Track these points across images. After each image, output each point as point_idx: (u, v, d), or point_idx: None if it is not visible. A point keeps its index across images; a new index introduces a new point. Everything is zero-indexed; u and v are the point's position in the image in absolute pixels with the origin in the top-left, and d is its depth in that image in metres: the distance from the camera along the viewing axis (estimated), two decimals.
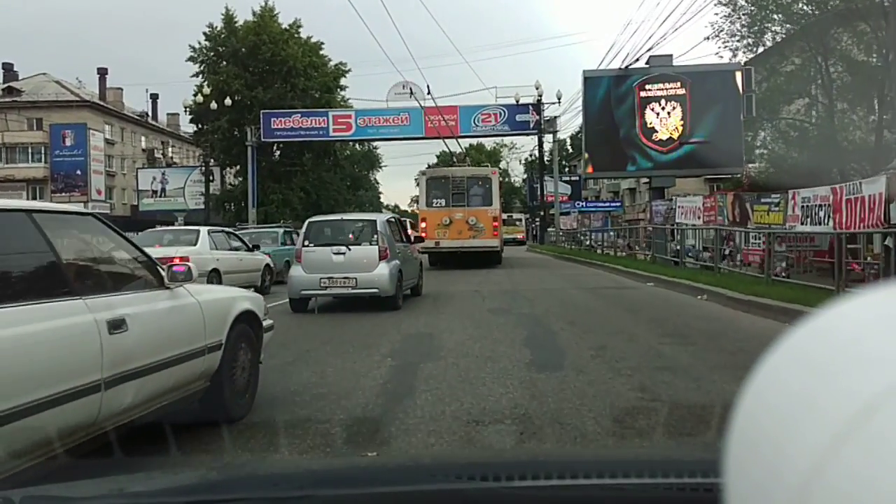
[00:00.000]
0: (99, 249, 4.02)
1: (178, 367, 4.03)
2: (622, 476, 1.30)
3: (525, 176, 76.79)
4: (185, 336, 4.17)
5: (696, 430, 4.11)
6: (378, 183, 74.28)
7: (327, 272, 10.93)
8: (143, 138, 55.36)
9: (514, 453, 3.31)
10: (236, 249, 14.19)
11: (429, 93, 36.00)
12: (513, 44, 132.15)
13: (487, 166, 38.26)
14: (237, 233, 16.80)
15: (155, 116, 58.88)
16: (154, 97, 59.08)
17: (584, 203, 49.24)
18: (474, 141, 58.25)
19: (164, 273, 4.18)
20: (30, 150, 47.58)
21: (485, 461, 1.87)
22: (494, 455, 2.95)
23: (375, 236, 11.24)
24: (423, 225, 19.63)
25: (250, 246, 14.88)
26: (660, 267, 17.34)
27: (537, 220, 59.47)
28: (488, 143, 75.47)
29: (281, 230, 20.14)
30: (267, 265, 15.34)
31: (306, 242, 11.46)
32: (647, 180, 26.29)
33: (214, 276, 12.88)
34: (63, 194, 46.97)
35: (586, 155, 23.52)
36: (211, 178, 39.03)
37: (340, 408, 5.08)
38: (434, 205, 20.11)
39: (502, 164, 79.09)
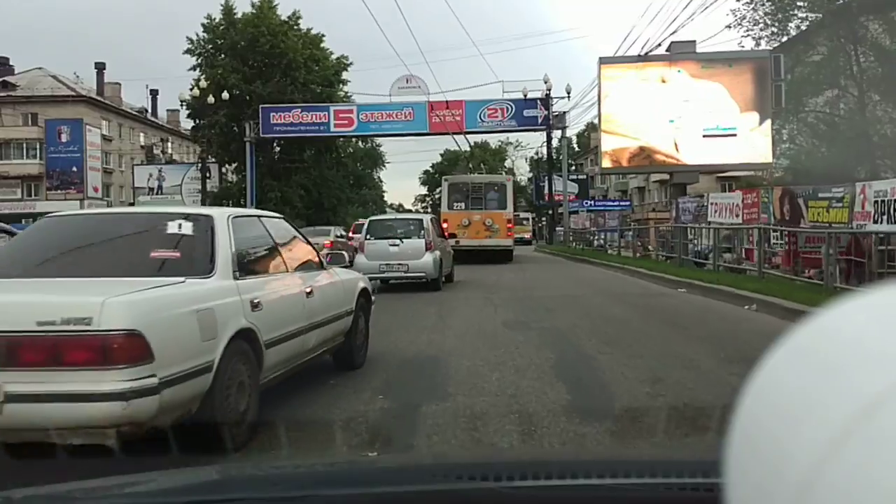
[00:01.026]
0: (288, 240, 5.51)
1: (333, 324, 5.60)
2: (623, 476, 1.26)
3: (531, 174, 75.13)
4: (337, 303, 5.74)
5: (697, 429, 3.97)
6: (382, 181, 72.58)
7: (385, 260, 13.31)
8: (142, 135, 53.69)
9: (515, 453, 3.14)
10: None
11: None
12: (517, 37, 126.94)
13: (502, 174, 38.61)
14: None
15: (155, 112, 57.25)
16: (154, 93, 57.45)
17: (592, 202, 47.42)
18: (479, 139, 56.55)
19: (323, 259, 6.03)
20: (24, 147, 45.91)
21: (486, 461, 1.83)
22: (495, 455, 2.82)
23: (422, 231, 13.71)
24: (445, 225, 20.40)
25: None
26: (687, 270, 15.56)
27: (543, 219, 57.75)
28: (493, 141, 73.84)
29: None
30: None
31: (368, 236, 13.84)
32: (664, 177, 24.40)
33: None
34: (58, 191, 45.38)
35: (603, 149, 21.65)
36: (208, 174, 37.39)
37: None
38: (454, 207, 21.95)
39: (507, 163, 77.38)
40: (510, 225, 22.93)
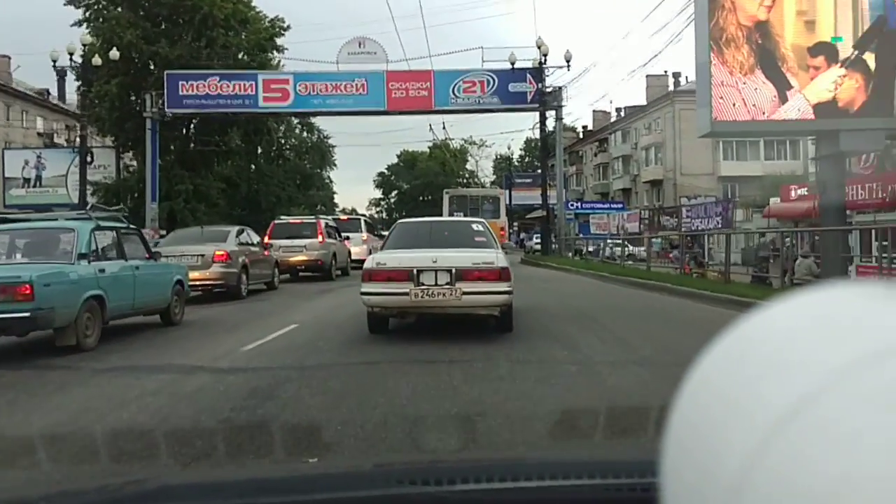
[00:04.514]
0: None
1: None
2: (563, 478, 1.24)
3: (494, 177, 65.70)
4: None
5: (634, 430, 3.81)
6: (332, 181, 62.09)
7: None
8: (39, 119, 42.25)
9: (456, 457, 3.09)
10: None
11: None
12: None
13: (496, 188, 40.81)
14: None
15: (62, 95, 45.65)
16: (62, 73, 45.86)
17: (578, 204, 37.96)
18: (451, 121, 46.21)
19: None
20: None
21: (427, 465, 1.73)
22: (437, 459, 2.73)
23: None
24: None
25: None
26: None
27: (515, 224, 48.31)
28: (457, 136, 63.91)
29: (87, 226, 8.20)
30: None
31: None
32: (657, 177, 14.15)
33: None
34: None
35: (708, 93, 11.54)
36: (90, 160, 26.65)
37: None
38: (454, 215, 21.66)
39: (469, 165, 67.81)
40: (503, 232, 24.08)
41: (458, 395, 4.91)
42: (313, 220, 18.16)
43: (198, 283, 11.95)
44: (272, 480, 1.48)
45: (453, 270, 6.96)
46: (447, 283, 6.94)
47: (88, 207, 10.18)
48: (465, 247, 7.56)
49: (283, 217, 19.60)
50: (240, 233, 14.23)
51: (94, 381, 5.90)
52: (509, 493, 1.22)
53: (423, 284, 6.96)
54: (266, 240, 16.27)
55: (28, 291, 7.18)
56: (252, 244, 14.58)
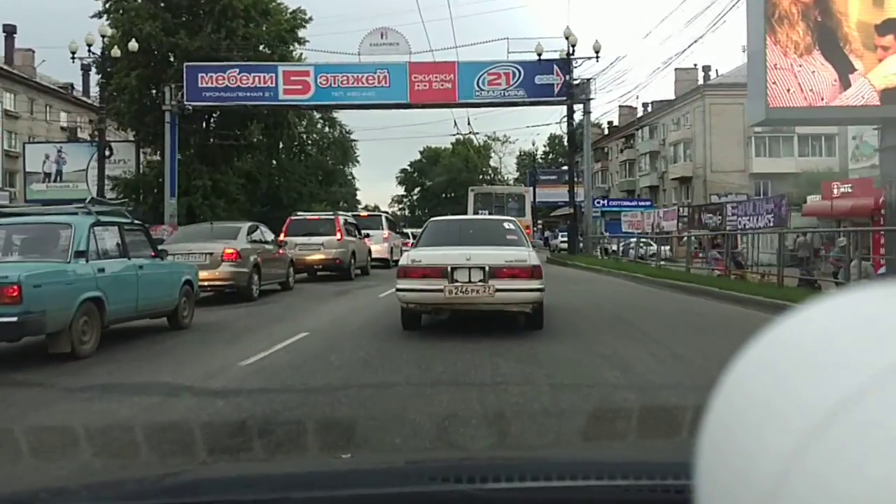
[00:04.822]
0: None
1: None
2: (595, 478, 1.22)
3: (518, 174, 64.45)
4: None
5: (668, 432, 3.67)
6: (354, 178, 61.27)
7: None
8: (63, 113, 41.85)
9: (488, 455, 2.81)
10: None
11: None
12: None
13: (521, 185, 40.30)
14: None
15: (86, 89, 45.23)
16: (86, 68, 45.41)
17: (604, 202, 36.71)
18: (473, 119, 44.90)
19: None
20: None
21: (459, 463, 1.66)
22: (468, 457, 2.50)
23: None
24: None
25: None
26: None
27: (539, 222, 47.09)
28: (480, 130, 62.71)
29: (85, 222, 7.40)
30: None
31: None
32: (686, 173, 12.85)
33: None
34: None
35: (758, 85, 10.30)
36: (108, 154, 26.00)
37: None
38: (479, 213, 21.11)
39: (492, 162, 66.58)
40: (528, 231, 23.84)
41: (495, 437, 3.93)
42: (331, 217, 17.18)
43: (206, 283, 11.02)
44: (305, 475, 1.48)
45: (486, 268, 7.06)
46: (480, 281, 7.05)
47: (87, 201, 9.27)
48: (497, 245, 7.66)
49: (299, 213, 18.63)
50: (252, 230, 13.29)
51: (63, 405, 4.96)
52: (540, 492, 1.19)
53: (457, 281, 7.06)
54: (282, 237, 15.34)
55: (15, 293, 6.44)
56: (265, 242, 13.64)
